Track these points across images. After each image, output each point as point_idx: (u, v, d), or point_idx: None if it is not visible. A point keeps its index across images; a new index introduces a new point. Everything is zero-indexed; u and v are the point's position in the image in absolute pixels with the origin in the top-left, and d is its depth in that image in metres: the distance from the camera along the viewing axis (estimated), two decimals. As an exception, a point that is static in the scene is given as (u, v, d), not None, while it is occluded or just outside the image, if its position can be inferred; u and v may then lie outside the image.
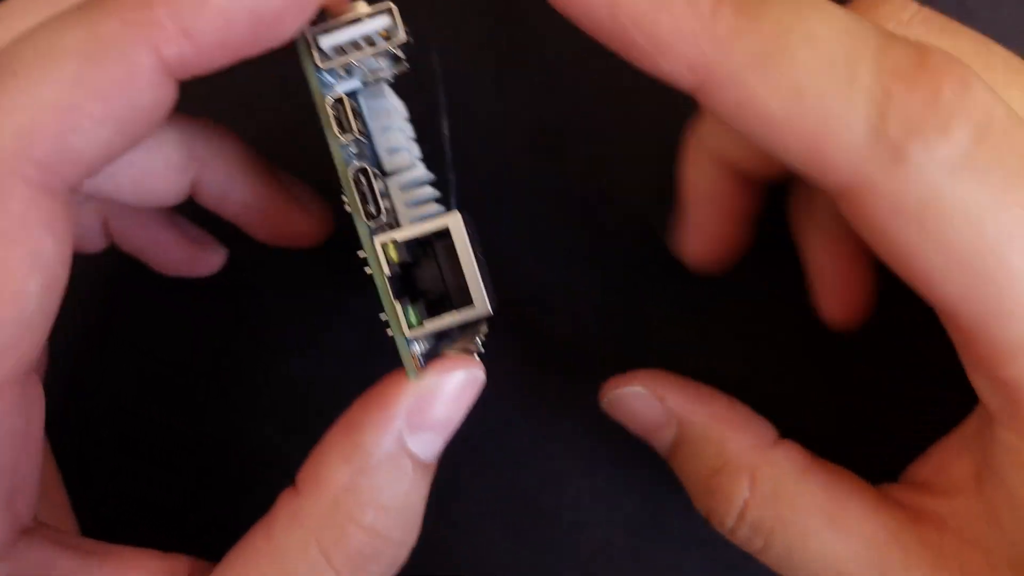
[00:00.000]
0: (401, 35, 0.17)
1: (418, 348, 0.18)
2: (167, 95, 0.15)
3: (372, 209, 0.17)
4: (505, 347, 0.25)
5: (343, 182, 0.17)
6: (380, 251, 0.17)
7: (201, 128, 0.21)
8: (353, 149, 0.18)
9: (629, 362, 0.25)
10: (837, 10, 0.15)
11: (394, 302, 0.17)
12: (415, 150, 0.19)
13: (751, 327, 0.25)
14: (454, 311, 0.17)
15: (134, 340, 0.26)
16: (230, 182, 0.21)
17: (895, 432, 0.23)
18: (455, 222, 0.17)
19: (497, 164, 0.26)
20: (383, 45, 0.17)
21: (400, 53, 0.18)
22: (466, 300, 0.17)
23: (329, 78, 0.18)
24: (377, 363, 0.25)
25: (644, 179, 0.26)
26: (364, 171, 0.17)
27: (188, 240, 0.24)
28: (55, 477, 0.21)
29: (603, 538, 0.25)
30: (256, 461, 0.25)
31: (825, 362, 0.25)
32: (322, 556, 0.16)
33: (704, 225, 0.22)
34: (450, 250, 0.17)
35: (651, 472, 0.24)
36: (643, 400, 0.21)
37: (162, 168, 0.20)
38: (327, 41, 0.17)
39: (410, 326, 0.17)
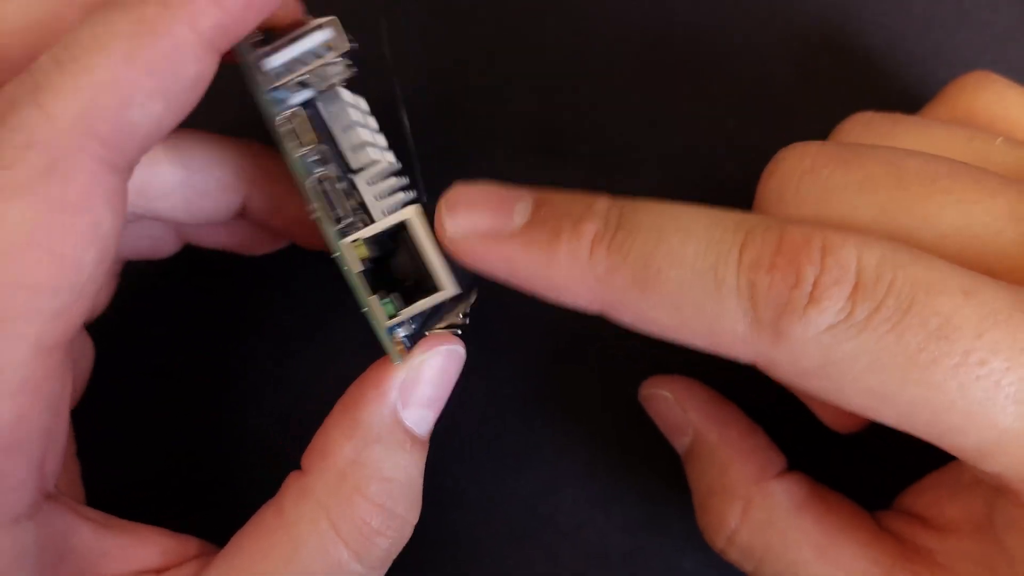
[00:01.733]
0: (345, 45, 0.18)
1: (402, 332, 0.19)
2: (208, 69, 0.17)
3: (339, 213, 0.18)
4: (504, 351, 0.25)
5: (303, 193, 0.18)
6: (350, 252, 0.18)
7: (249, 149, 0.22)
8: (315, 157, 0.18)
9: (631, 366, 0.25)
10: (697, 221, 0.16)
11: (368, 298, 0.18)
12: (380, 141, 0.20)
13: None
14: (426, 297, 0.18)
15: (136, 337, 0.26)
16: (277, 200, 0.23)
17: (905, 451, 0.23)
18: (412, 215, 0.18)
19: (498, 164, 0.26)
20: (329, 57, 0.18)
21: (346, 61, 0.18)
22: (434, 285, 0.18)
23: (281, 94, 0.19)
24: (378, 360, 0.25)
25: (645, 179, 0.26)
26: (325, 178, 0.18)
27: (253, 227, 0.24)
28: (72, 455, 0.22)
29: (600, 542, 0.25)
30: (257, 460, 0.25)
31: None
32: (331, 528, 0.17)
33: (821, 405, 0.23)
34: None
35: (648, 476, 0.24)
36: (669, 405, 0.22)
37: (214, 188, 0.21)
38: (274, 61, 0.18)
39: (389, 316, 0.18)
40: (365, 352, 0.24)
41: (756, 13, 0.27)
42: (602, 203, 0.17)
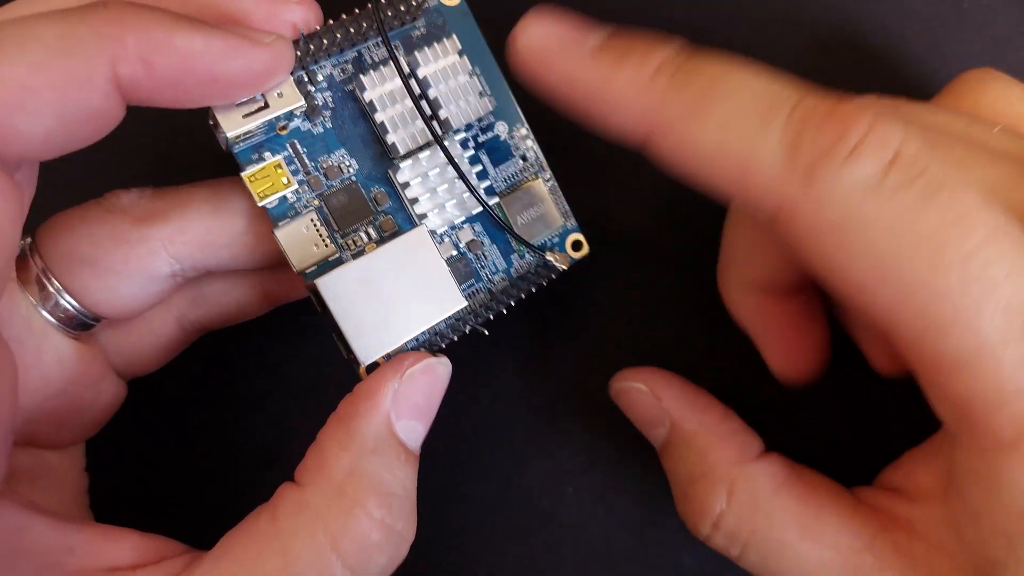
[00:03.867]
0: (299, 99, 0.19)
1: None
2: (112, 109, 0.16)
3: (294, 266, 0.19)
4: (506, 348, 0.25)
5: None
6: (310, 293, 0.19)
7: None
8: (293, 197, 0.20)
9: (630, 363, 0.25)
10: (761, 75, 0.17)
11: (332, 333, 0.19)
12: (418, 139, 0.21)
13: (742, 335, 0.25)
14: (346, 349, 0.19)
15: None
16: None
17: (878, 434, 0.24)
18: (323, 283, 0.18)
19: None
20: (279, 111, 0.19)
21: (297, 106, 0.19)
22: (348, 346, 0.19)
23: (262, 137, 0.19)
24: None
25: (646, 179, 0.26)
26: (274, 233, 0.19)
27: None
28: (81, 470, 0.22)
29: (602, 538, 0.25)
30: (253, 461, 0.25)
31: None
32: (328, 543, 0.17)
33: (777, 348, 0.24)
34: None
35: (649, 472, 0.24)
36: (643, 396, 0.22)
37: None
38: (226, 132, 0.18)
39: (346, 354, 0.19)
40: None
41: (756, 15, 0.27)
42: (677, 41, 0.17)
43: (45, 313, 0.19)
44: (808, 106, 0.16)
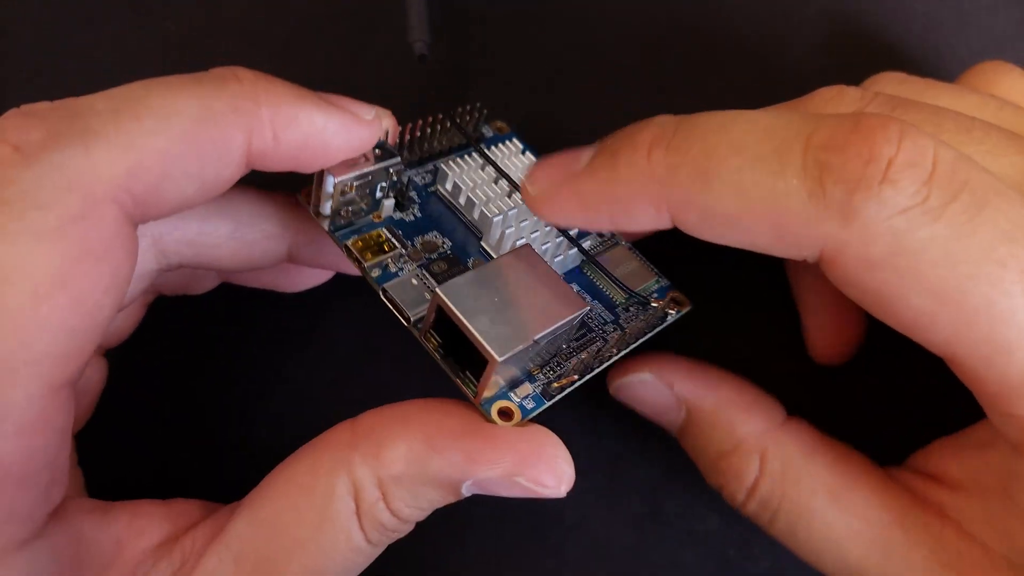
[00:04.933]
0: (397, 163, 0.20)
1: (515, 397, 0.19)
2: (237, 175, 0.17)
3: (408, 315, 0.19)
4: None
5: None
6: (426, 345, 0.19)
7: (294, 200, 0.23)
8: (394, 266, 0.20)
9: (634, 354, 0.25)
10: (763, 116, 0.16)
11: (455, 379, 0.19)
12: (501, 205, 0.22)
13: (757, 312, 0.26)
14: (483, 370, 0.18)
15: (134, 338, 0.26)
16: (321, 245, 0.23)
17: (902, 419, 0.23)
18: (444, 296, 0.18)
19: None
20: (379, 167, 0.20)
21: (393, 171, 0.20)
22: (481, 357, 0.18)
23: (360, 223, 0.21)
24: (373, 364, 0.25)
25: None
26: (384, 291, 0.20)
27: (297, 267, 0.25)
28: (74, 464, 0.22)
29: (604, 536, 0.24)
30: (251, 461, 0.25)
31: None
32: (358, 523, 0.17)
33: (823, 319, 0.24)
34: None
35: (651, 471, 0.24)
36: (652, 387, 0.22)
37: (260, 239, 0.22)
38: (324, 210, 0.20)
39: (473, 396, 0.18)
40: (361, 353, 0.25)
41: (756, 17, 0.27)
42: (660, 117, 0.17)
43: None
44: (824, 133, 0.15)
